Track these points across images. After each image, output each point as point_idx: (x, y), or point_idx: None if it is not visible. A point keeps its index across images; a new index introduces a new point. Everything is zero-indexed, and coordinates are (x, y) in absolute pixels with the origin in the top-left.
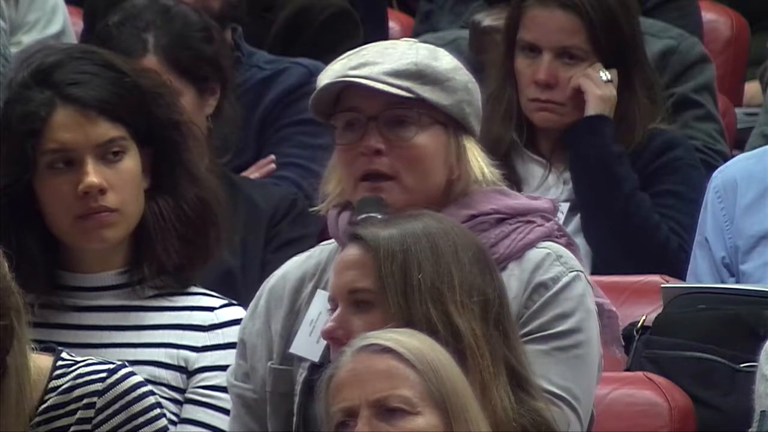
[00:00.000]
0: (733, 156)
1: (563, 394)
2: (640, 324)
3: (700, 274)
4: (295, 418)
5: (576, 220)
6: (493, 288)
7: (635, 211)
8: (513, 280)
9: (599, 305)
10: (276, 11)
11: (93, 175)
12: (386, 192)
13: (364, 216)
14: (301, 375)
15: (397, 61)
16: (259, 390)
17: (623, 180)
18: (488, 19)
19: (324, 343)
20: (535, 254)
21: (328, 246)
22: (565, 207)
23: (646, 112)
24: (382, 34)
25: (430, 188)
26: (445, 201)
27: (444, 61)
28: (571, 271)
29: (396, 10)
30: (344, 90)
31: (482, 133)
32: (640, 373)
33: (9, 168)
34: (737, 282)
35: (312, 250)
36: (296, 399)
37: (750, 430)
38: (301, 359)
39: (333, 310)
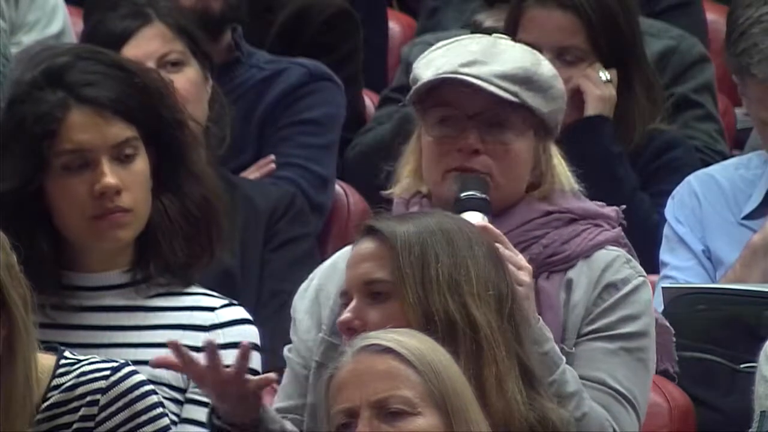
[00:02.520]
0: (732, 155)
1: (628, 395)
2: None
3: (686, 269)
4: None
5: None
6: (505, 283)
7: (635, 211)
8: (582, 277)
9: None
10: (276, 11)
11: (110, 175)
12: None
13: (467, 194)
14: None
15: (506, 63)
16: (306, 363)
17: (623, 180)
18: (490, 20)
19: None
20: (604, 254)
21: None
22: None
23: (645, 112)
24: (382, 34)
25: (516, 189)
26: (526, 196)
27: (546, 67)
28: (640, 276)
29: (396, 10)
30: (443, 84)
31: None
32: None
33: (21, 169)
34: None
35: None
36: None
37: (750, 430)
38: None
39: (346, 303)
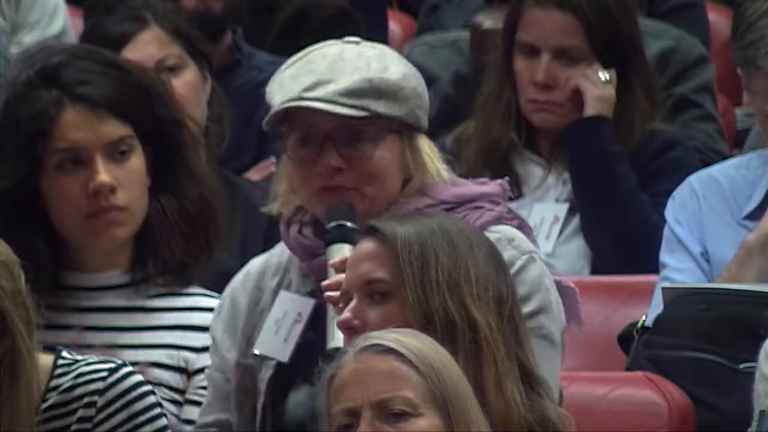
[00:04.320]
0: (732, 155)
1: None
2: (640, 324)
3: (685, 270)
4: (258, 416)
5: (575, 220)
6: (506, 285)
7: (634, 211)
8: None
9: (557, 283)
10: (276, 12)
11: (104, 174)
12: (347, 201)
13: (335, 224)
14: (266, 373)
15: (349, 78)
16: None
17: (622, 180)
18: (489, 22)
19: (293, 342)
20: None
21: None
22: (564, 207)
23: (644, 113)
24: (382, 34)
25: (389, 194)
26: (397, 197)
27: (393, 69)
28: (524, 254)
29: (396, 10)
30: (292, 109)
31: (482, 133)
32: (639, 373)
33: (15, 168)
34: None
35: (273, 249)
36: (261, 398)
37: (749, 429)
38: (265, 358)
39: (346, 303)
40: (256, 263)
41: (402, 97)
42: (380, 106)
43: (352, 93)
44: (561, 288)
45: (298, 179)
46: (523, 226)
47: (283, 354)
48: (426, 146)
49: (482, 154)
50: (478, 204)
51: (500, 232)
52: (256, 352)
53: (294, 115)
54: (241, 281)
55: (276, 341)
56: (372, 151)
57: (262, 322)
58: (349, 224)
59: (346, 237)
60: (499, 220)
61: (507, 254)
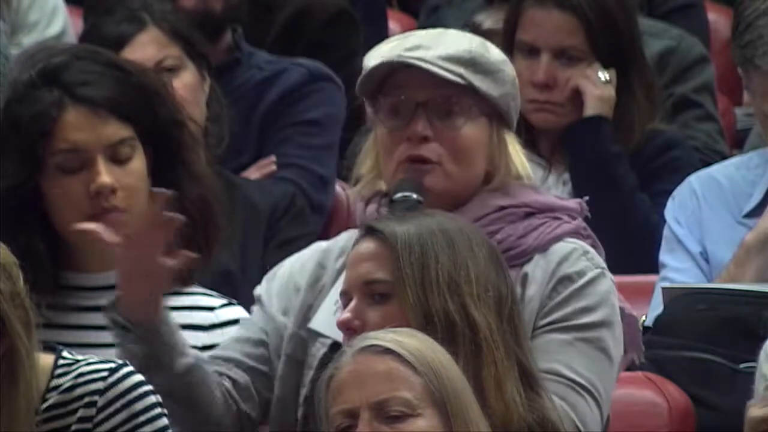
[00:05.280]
0: (732, 155)
1: (587, 385)
2: (640, 324)
3: (684, 270)
4: (305, 389)
5: None
6: (506, 285)
7: (634, 211)
8: (538, 270)
9: (620, 309)
10: (276, 11)
11: (105, 175)
12: (429, 175)
13: (401, 195)
14: (319, 350)
15: (451, 46)
16: (267, 336)
17: (622, 180)
18: (489, 21)
19: None
20: (561, 247)
21: (354, 234)
22: None
23: (644, 112)
24: (382, 35)
25: (470, 178)
26: (479, 191)
27: (494, 52)
28: (597, 268)
29: (396, 10)
30: (393, 73)
31: None
32: (639, 373)
33: (17, 168)
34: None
35: (337, 237)
36: (311, 372)
37: None
38: (320, 335)
39: (346, 304)
40: (322, 244)
41: (499, 79)
42: (477, 80)
43: (452, 59)
44: (623, 315)
45: (386, 150)
46: (595, 245)
47: (339, 333)
48: (514, 142)
49: None
50: (558, 215)
51: (576, 244)
52: (312, 326)
53: (388, 80)
54: (303, 256)
55: (333, 321)
56: (461, 125)
57: (321, 299)
58: (414, 196)
59: (411, 208)
60: (575, 233)
61: (580, 264)
